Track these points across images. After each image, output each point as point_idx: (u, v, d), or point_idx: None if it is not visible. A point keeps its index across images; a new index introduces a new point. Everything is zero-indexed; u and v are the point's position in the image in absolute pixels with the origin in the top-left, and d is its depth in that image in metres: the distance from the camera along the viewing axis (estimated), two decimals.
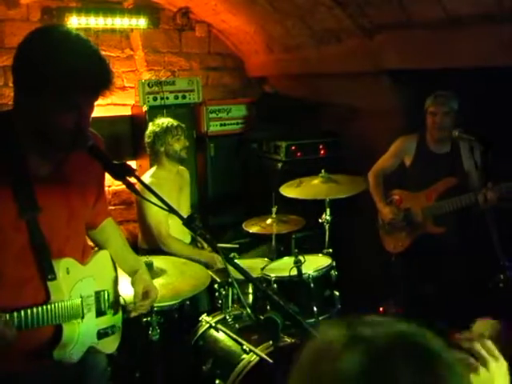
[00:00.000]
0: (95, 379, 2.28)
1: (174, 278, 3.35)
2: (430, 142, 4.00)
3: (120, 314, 2.34)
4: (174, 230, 4.22)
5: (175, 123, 4.39)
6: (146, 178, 4.24)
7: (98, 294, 2.15)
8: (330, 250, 4.08)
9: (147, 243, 4.30)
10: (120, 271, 2.39)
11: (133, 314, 2.32)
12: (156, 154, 4.35)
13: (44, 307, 1.87)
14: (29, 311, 1.82)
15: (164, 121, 4.39)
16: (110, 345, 2.27)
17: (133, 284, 2.32)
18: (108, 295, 2.22)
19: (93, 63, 1.79)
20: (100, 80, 1.81)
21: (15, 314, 1.79)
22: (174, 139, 4.31)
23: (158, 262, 3.45)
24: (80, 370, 2.14)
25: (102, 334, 2.18)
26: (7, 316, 1.76)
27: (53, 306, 1.90)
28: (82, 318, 2.04)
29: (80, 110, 1.81)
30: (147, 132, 4.40)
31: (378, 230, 4.29)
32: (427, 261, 3.92)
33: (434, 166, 3.95)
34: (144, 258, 3.31)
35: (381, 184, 4.21)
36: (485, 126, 3.72)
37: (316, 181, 4.23)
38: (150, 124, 4.44)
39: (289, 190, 4.20)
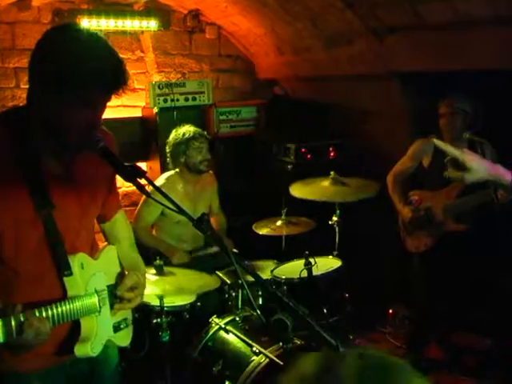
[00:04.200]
0: (108, 374, 2.29)
1: (182, 278, 3.38)
2: (446, 142, 4.01)
3: None
4: (187, 232, 4.23)
5: (198, 133, 4.30)
6: (161, 179, 4.27)
7: (109, 288, 2.15)
8: (340, 252, 4.08)
9: None
10: None
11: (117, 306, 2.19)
12: (176, 164, 4.33)
13: (63, 304, 1.88)
14: (49, 310, 1.81)
15: (187, 130, 4.30)
16: (124, 338, 2.29)
17: (125, 277, 2.23)
18: None
19: (109, 62, 1.82)
20: (115, 79, 1.83)
21: (43, 310, 1.79)
22: (196, 151, 4.24)
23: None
24: (93, 365, 2.15)
25: (116, 328, 2.19)
26: (37, 312, 1.77)
27: (71, 301, 1.91)
28: (99, 311, 2.06)
29: (94, 107, 1.84)
30: (169, 140, 4.35)
31: (399, 232, 4.28)
32: (451, 260, 3.91)
33: None
34: (156, 260, 3.35)
35: (399, 186, 4.23)
36: (496, 128, 3.71)
37: (326, 182, 4.22)
38: (173, 131, 4.37)
39: (298, 190, 4.18)
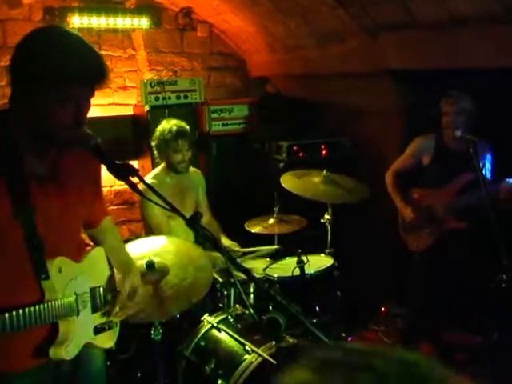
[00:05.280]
0: (93, 374, 2.28)
1: (170, 285, 3.25)
2: (447, 140, 4.02)
3: None
4: (177, 230, 4.20)
5: (180, 131, 4.12)
6: (148, 178, 4.21)
7: (93, 291, 2.16)
8: (332, 250, 4.08)
9: None
10: None
11: (119, 315, 2.29)
12: (161, 159, 4.26)
13: (37, 306, 1.88)
14: (21, 311, 1.82)
15: (169, 128, 4.12)
16: (108, 340, 2.28)
17: (121, 283, 2.30)
18: (103, 291, 2.23)
19: (87, 57, 1.85)
20: (95, 73, 1.86)
21: (14, 313, 1.79)
22: (175, 152, 4.11)
23: (161, 257, 3.38)
24: (77, 365, 2.15)
25: (98, 330, 2.19)
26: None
27: (46, 305, 1.91)
28: (78, 314, 2.05)
29: (76, 104, 1.84)
30: (154, 135, 4.22)
31: (399, 230, 4.27)
32: (451, 258, 3.91)
33: (452, 163, 3.96)
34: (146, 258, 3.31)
35: (400, 184, 4.22)
36: (486, 126, 3.72)
37: (317, 179, 4.17)
38: (160, 125, 4.21)
39: (289, 181, 4.14)
